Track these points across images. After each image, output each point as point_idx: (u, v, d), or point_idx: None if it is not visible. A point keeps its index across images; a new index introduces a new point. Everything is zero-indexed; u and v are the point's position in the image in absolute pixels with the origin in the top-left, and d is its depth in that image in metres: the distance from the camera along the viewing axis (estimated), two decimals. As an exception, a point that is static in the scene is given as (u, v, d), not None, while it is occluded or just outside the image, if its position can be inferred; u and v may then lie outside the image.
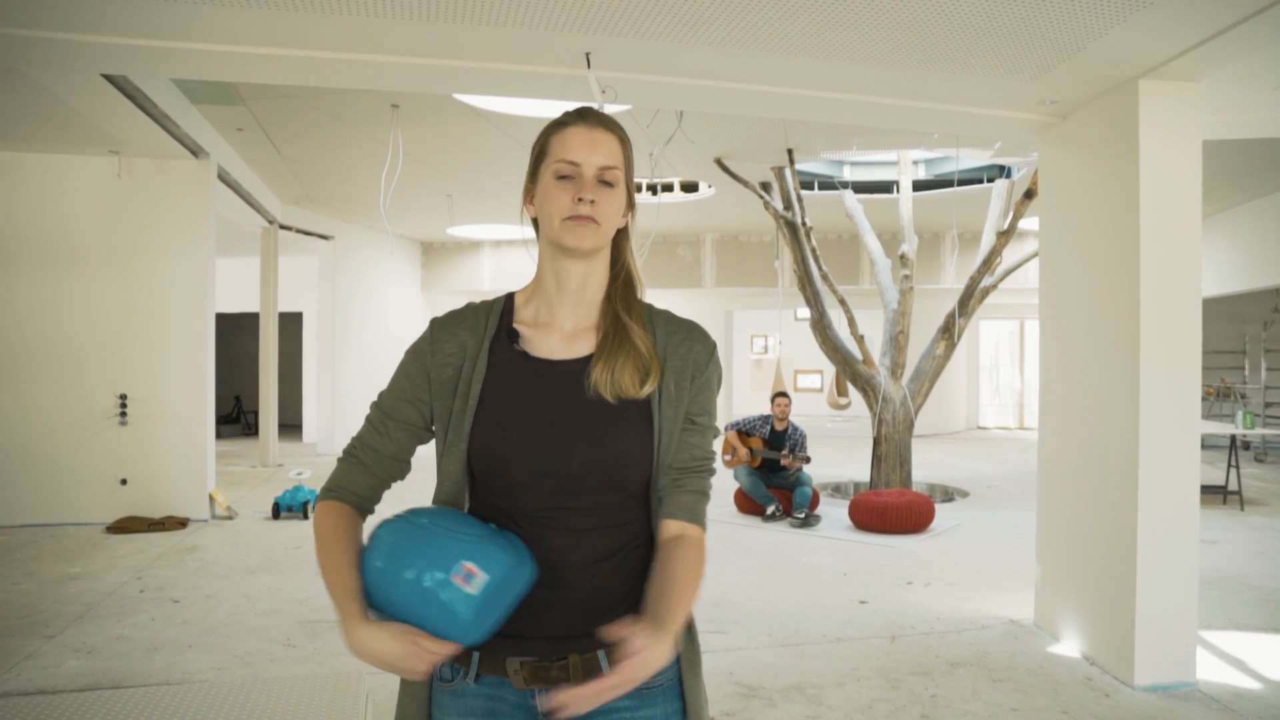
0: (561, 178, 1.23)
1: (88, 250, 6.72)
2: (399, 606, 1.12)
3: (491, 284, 13.14)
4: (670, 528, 1.25)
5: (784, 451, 7.26)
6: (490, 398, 1.24)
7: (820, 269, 7.83)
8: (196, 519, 6.84)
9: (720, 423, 1.51)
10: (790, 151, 7.32)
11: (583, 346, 1.28)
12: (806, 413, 15.73)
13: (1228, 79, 3.92)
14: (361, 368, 11.66)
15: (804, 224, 7.72)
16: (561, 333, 1.28)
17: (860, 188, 9.33)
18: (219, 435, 7.37)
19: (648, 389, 1.24)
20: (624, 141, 1.27)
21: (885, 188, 9.37)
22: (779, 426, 7.37)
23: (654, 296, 1.37)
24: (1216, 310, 11.40)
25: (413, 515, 1.18)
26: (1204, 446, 9.96)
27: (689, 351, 1.28)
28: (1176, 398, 3.63)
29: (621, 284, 1.31)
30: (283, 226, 10.00)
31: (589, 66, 3.57)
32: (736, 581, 5.24)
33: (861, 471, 9.70)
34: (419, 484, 1.39)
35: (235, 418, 14.80)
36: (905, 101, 4.06)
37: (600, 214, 1.22)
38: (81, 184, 6.69)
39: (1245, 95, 4.14)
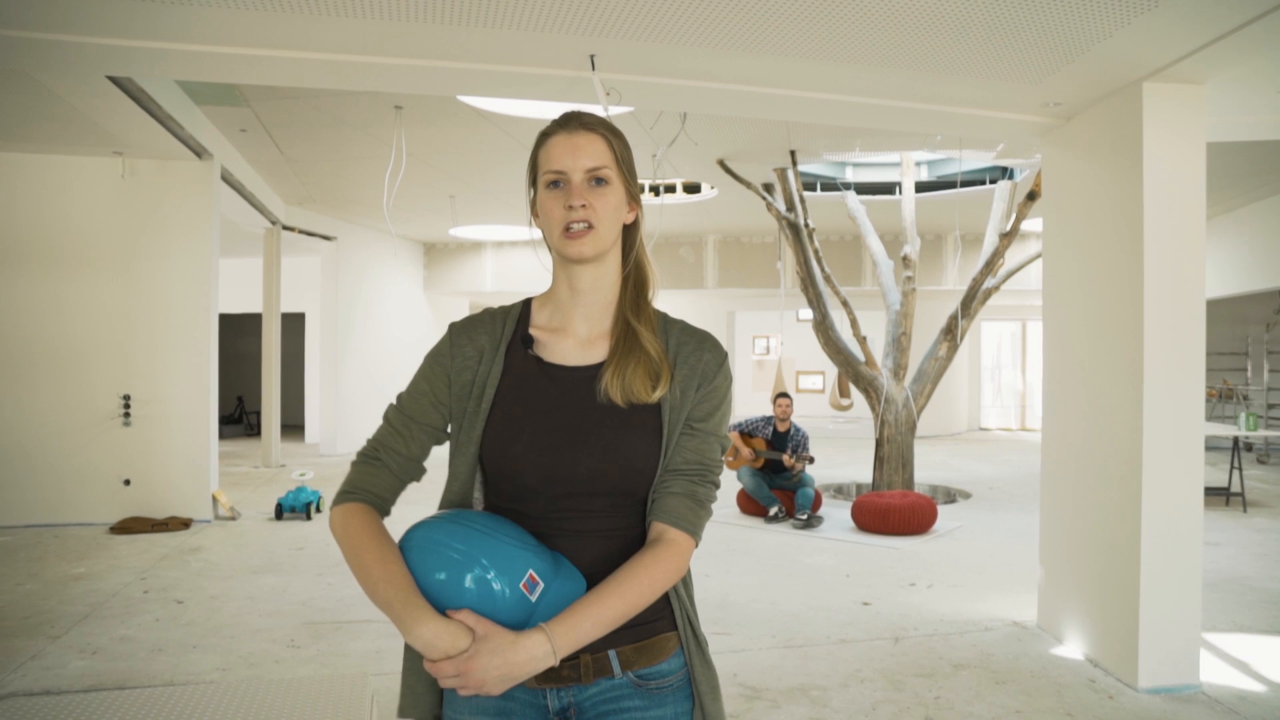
0: (552, 186, 1.24)
1: (92, 251, 6.74)
2: (457, 608, 1.12)
3: (494, 285, 13.15)
4: (652, 529, 1.25)
5: (786, 452, 7.26)
6: (503, 401, 1.25)
7: (823, 270, 7.83)
8: (199, 520, 6.85)
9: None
10: (793, 153, 7.33)
11: (596, 353, 1.29)
12: (808, 414, 15.75)
13: (1231, 81, 3.92)
14: (364, 368, 11.68)
15: (806, 225, 7.72)
16: (576, 339, 1.30)
17: (863, 189, 9.34)
18: (221, 436, 7.38)
19: (658, 393, 1.24)
20: (612, 138, 1.27)
21: (888, 189, 9.37)
22: (781, 427, 7.38)
23: (657, 297, 1.38)
24: (1219, 312, 11.40)
25: (461, 519, 1.18)
26: (1206, 448, 9.95)
27: (699, 360, 1.29)
28: (1180, 400, 3.63)
29: (633, 286, 1.32)
30: (285, 227, 10.01)
31: (593, 69, 3.58)
32: (740, 583, 5.24)
33: (864, 473, 9.70)
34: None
35: (238, 418, 14.82)
36: (909, 104, 4.06)
37: (595, 215, 1.23)
38: (85, 185, 6.70)
39: (1248, 97, 4.15)
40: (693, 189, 10.00)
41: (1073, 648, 4.06)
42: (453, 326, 1.32)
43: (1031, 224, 9.33)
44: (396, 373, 12.30)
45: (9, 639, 4.10)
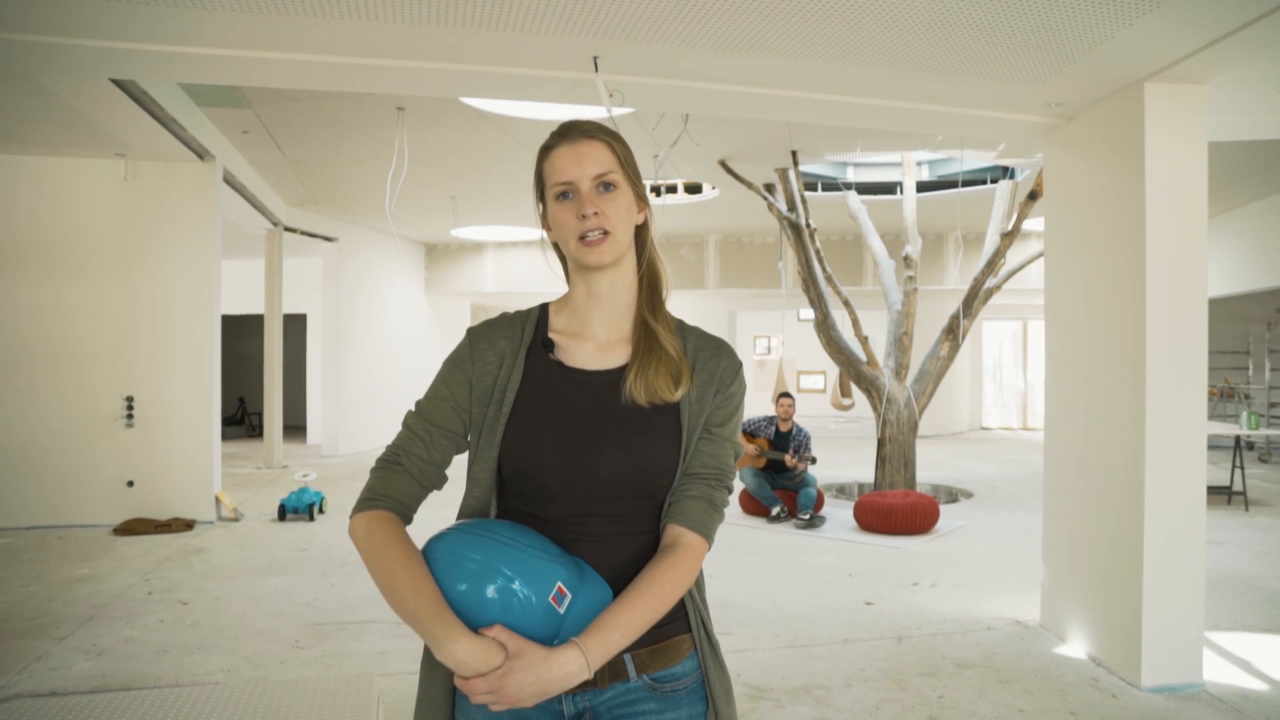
0: (561, 198, 1.26)
1: (94, 253, 6.75)
2: (484, 622, 1.12)
3: (495, 285, 13.16)
4: (668, 533, 1.26)
5: (788, 452, 7.27)
6: (524, 405, 1.26)
7: (824, 270, 7.84)
8: (203, 521, 6.86)
9: None
10: (794, 153, 7.33)
11: (616, 357, 1.30)
12: (809, 414, 15.74)
13: (1233, 81, 3.92)
14: (365, 369, 11.68)
15: (808, 225, 7.73)
16: (595, 343, 1.31)
17: (864, 189, 9.34)
18: (223, 437, 7.39)
19: (680, 392, 1.26)
20: (613, 142, 1.28)
21: (889, 189, 9.38)
22: (783, 427, 7.39)
23: (671, 295, 1.39)
24: (1220, 310, 11.39)
25: (484, 529, 1.18)
26: (1208, 447, 9.96)
27: (715, 366, 1.31)
28: (1182, 399, 3.64)
29: (648, 285, 1.33)
30: (287, 229, 10.02)
31: (597, 70, 3.58)
32: (743, 583, 5.25)
33: (866, 472, 9.70)
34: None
35: (239, 419, 14.83)
36: (911, 104, 4.07)
37: (608, 221, 1.24)
38: (88, 187, 6.72)
39: (1249, 97, 4.15)
40: (694, 189, 10.01)
41: (1076, 647, 4.07)
42: (472, 331, 1.32)
43: (1032, 223, 9.34)
44: (398, 373, 12.32)
45: (15, 640, 4.11)
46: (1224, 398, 12.74)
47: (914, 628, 4.39)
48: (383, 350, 12.14)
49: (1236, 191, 8.86)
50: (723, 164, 7.75)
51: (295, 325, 13.07)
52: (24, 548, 5.98)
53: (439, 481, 1.31)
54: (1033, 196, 6.86)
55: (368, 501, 1.25)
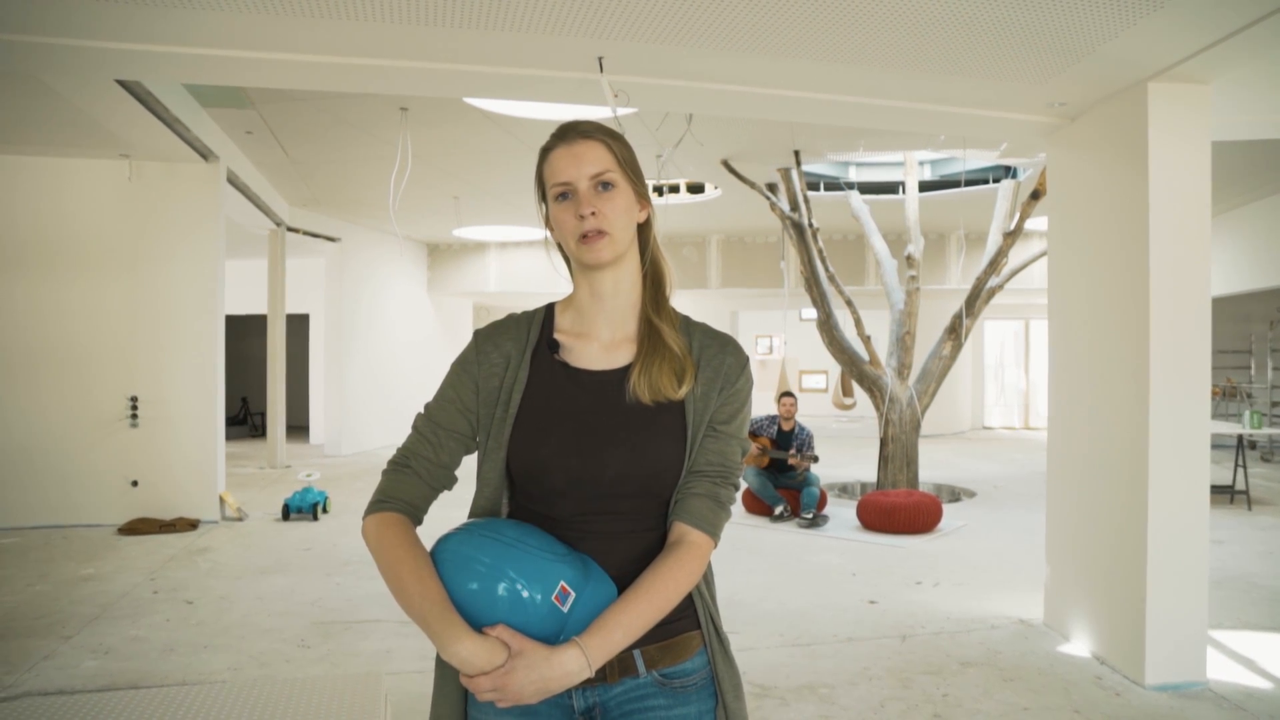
0: (561, 198, 1.27)
1: (99, 253, 6.77)
2: (489, 622, 1.13)
3: (497, 285, 13.17)
4: (673, 530, 1.26)
5: (791, 451, 7.27)
6: (530, 406, 1.27)
7: (826, 270, 7.85)
8: (207, 520, 6.88)
9: None
10: (797, 153, 7.34)
11: (621, 357, 1.30)
12: (811, 413, 15.74)
13: (1236, 81, 3.92)
14: (368, 369, 11.70)
15: (810, 225, 7.74)
16: (600, 343, 1.31)
17: (866, 189, 9.34)
18: (226, 437, 7.40)
19: (684, 389, 1.26)
20: (611, 141, 1.29)
21: (891, 189, 9.38)
22: (785, 426, 7.39)
23: (674, 293, 1.39)
24: (1222, 310, 11.36)
25: (490, 529, 1.19)
26: (1211, 446, 9.95)
27: (721, 363, 1.31)
28: (1186, 398, 3.64)
29: (651, 283, 1.34)
30: (290, 229, 10.04)
31: (601, 71, 3.59)
32: (747, 582, 5.26)
33: (868, 472, 9.71)
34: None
35: (242, 419, 14.84)
36: (914, 104, 4.08)
37: (606, 221, 1.25)
38: (92, 187, 6.73)
39: (1253, 97, 4.15)
40: (696, 189, 10.01)
41: (1079, 645, 4.08)
42: (478, 333, 1.34)
43: (1035, 223, 9.34)
44: (400, 373, 12.33)
45: (22, 639, 4.12)
46: (1226, 397, 12.73)
47: (918, 626, 4.40)
48: (385, 350, 12.15)
49: (1239, 191, 8.87)
50: (725, 164, 7.76)
51: (298, 325, 13.08)
52: (30, 547, 6.00)
53: (448, 483, 1.33)
54: (1035, 196, 6.87)
55: (378, 504, 1.27)
